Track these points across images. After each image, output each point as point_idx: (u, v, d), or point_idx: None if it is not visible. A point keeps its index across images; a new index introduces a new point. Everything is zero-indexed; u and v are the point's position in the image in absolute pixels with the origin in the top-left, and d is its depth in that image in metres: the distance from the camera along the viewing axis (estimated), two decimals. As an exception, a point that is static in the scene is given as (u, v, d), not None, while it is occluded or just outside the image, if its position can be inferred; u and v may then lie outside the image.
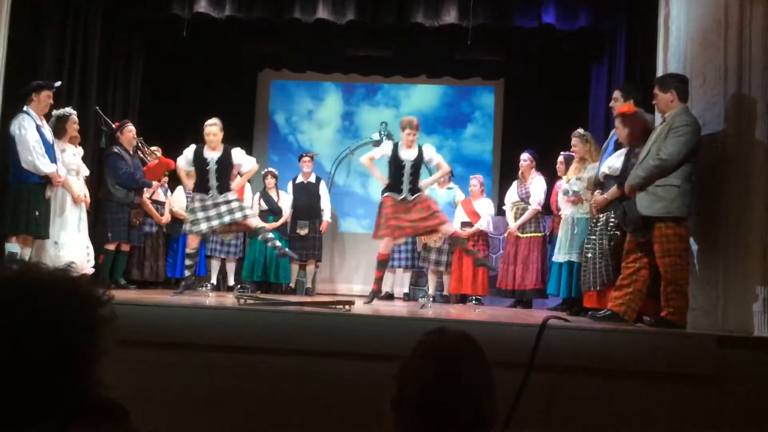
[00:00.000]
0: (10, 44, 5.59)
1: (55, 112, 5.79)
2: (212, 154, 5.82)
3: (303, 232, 7.71)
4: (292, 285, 7.86)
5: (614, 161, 4.97)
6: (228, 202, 5.77)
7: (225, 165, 5.85)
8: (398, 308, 5.85)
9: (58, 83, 5.71)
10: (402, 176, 5.81)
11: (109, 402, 0.99)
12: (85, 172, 6.19)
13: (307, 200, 7.80)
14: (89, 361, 0.99)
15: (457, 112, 9.25)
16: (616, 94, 5.23)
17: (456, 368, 1.41)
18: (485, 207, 7.52)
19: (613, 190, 4.84)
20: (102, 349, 1.01)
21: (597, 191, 5.17)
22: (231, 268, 7.82)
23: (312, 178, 7.96)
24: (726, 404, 3.42)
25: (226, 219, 5.73)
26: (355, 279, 8.74)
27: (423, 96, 9.29)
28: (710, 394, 3.44)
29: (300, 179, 7.96)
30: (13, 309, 0.97)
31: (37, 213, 5.30)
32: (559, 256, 6.07)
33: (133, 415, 1.12)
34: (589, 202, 5.49)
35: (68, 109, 5.94)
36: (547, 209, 6.98)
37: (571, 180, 6.05)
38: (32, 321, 0.97)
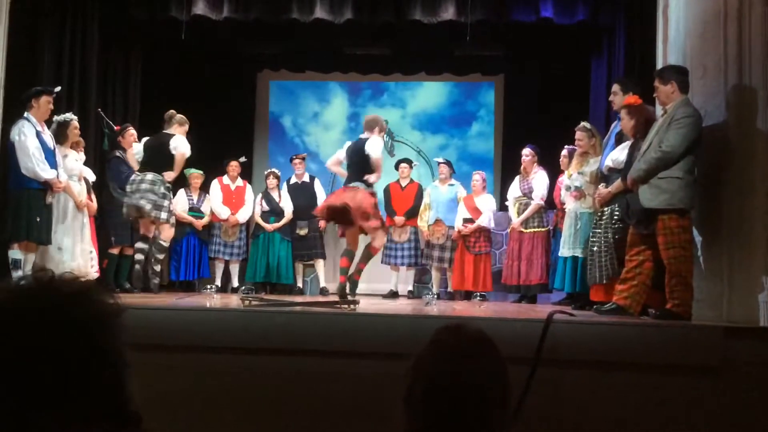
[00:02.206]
0: (9, 51, 5.59)
1: (55, 118, 5.79)
2: None
3: (302, 232, 7.72)
4: (299, 285, 7.87)
5: (618, 154, 4.96)
6: None
7: None
8: (403, 306, 5.84)
9: (57, 88, 5.71)
10: None
11: (123, 408, 0.99)
12: (92, 177, 6.19)
13: (303, 200, 7.81)
14: (101, 370, 0.98)
15: (462, 110, 9.28)
16: (615, 87, 5.23)
17: (468, 367, 1.38)
18: (487, 203, 7.52)
19: (618, 183, 4.82)
20: (115, 355, 1.01)
21: (601, 185, 5.17)
22: (234, 269, 7.82)
23: (306, 178, 7.98)
24: (732, 395, 3.42)
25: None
26: (361, 278, 8.71)
27: (429, 95, 9.32)
28: (716, 385, 3.43)
29: (294, 180, 7.98)
30: (26, 323, 0.97)
31: (38, 219, 5.30)
32: (564, 250, 6.06)
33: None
34: (593, 196, 5.48)
35: (69, 115, 5.94)
36: (551, 204, 6.98)
37: (573, 175, 6.04)
38: (46, 335, 0.96)
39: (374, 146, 5.64)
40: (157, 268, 5.75)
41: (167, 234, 5.76)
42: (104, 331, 0.98)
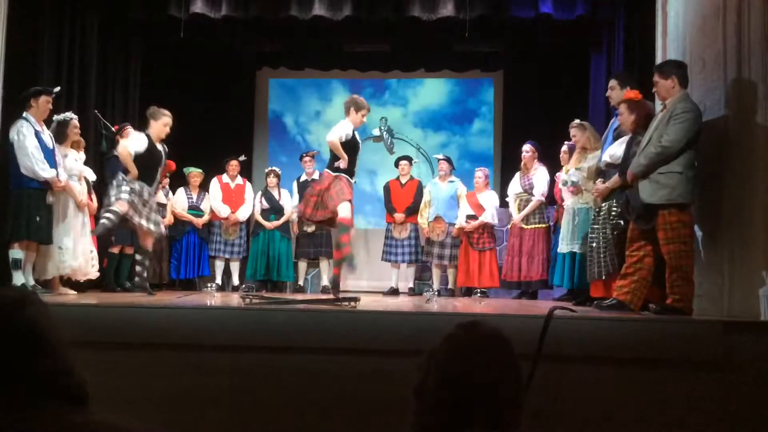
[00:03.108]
0: (8, 50, 5.58)
1: (55, 117, 5.78)
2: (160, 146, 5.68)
3: (310, 229, 7.71)
4: (300, 283, 7.87)
5: (616, 149, 4.96)
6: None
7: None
8: (403, 303, 5.85)
9: (57, 88, 5.70)
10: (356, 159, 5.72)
11: (68, 387, 1.08)
12: (92, 177, 6.19)
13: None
14: (35, 355, 1.13)
15: (464, 108, 9.31)
16: (613, 82, 5.23)
17: (480, 364, 1.38)
18: (490, 199, 7.52)
19: (615, 178, 4.82)
20: (50, 342, 1.15)
21: (599, 180, 5.16)
22: (235, 267, 7.83)
23: (315, 176, 7.98)
24: (733, 389, 3.42)
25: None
26: (362, 275, 8.75)
27: (430, 93, 9.34)
28: (717, 380, 3.43)
29: (304, 178, 7.98)
30: None
31: (38, 218, 5.29)
32: (562, 246, 6.07)
33: (140, 416, 1.14)
34: (590, 191, 5.49)
35: (68, 114, 5.92)
36: (551, 200, 6.98)
37: (570, 171, 6.05)
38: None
39: (332, 131, 5.60)
40: (138, 268, 5.53)
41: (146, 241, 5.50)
42: (39, 330, 1.16)
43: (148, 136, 5.55)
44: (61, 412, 1.03)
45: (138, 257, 5.66)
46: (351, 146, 5.61)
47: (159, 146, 5.65)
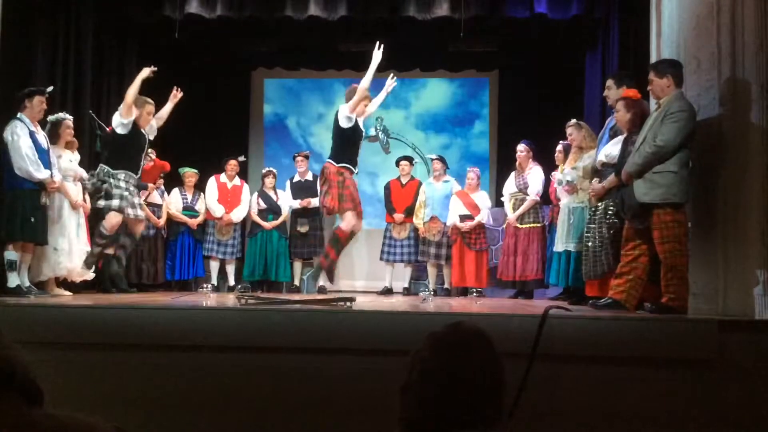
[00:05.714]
0: (3, 50, 5.56)
1: (49, 118, 5.77)
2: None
3: (303, 229, 7.71)
4: (296, 283, 7.86)
5: (611, 149, 4.96)
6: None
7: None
8: (399, 303, 5.84)
9: (50, 88, 5.68)
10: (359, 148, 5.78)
11: (25, 384, 1.06)
12: (85, 177, 6.17)
13: (305, 198, 7.81)
14: None
15: (465, 109, 9.33)
16: (609, 82, 5.24)
17: (461, 362, 1.43)
18: (484, 200, 7.53)
19: (611, 178, 4.83)
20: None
21: (595, 180, 5.17)
22: (230, 268, 7.82)
23: (309, 176, 7.97)
24: (728, 388, 3.43)
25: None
26: (357, 275, 8.76)
27: (432, 95, 9.37)
28: (712, 378, 3.45)
29: (297, 178, 7.98)
30: None
31: (32, 219, 5.28)
32: (558, 245, 6.08)
33: (137, 418, 1.14)
34: (585, 190, 5.50)
35: (61, 114, 5.91)
36: (546, 199, 6.99)
37: (565, 170, 6.06)
38: None
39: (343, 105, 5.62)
40: (114, 267, 5.65)
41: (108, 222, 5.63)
42: None
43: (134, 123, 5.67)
44: (20, 406, 1.00)
45: (119, 252, 5.67)
46: (353, 134, 5.67)
47: (143, 131, 5.75)
